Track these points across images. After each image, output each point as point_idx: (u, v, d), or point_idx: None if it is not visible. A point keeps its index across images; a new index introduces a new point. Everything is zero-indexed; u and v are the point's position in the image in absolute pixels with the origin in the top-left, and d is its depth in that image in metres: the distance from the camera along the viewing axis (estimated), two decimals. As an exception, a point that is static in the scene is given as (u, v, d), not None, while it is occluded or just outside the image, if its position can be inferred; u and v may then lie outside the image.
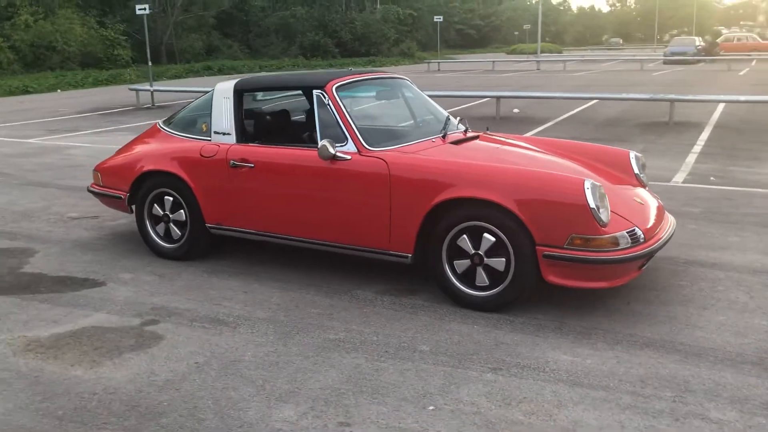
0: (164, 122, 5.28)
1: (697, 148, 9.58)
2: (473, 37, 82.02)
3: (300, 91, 5.20)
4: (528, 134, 9.50)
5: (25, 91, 24.52)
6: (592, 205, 3.58)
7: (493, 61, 34.88)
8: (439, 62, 33.96)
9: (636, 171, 4.64)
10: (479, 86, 19.78)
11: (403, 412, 2.88)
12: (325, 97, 4.38)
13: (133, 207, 5.14)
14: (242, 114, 4.78)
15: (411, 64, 45.32)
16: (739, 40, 42.28)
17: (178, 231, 4.92)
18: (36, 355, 3.48)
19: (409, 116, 4.93)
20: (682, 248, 4.96)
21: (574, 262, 3.64)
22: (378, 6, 51.64)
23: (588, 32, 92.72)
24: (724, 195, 6.77)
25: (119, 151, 5.46)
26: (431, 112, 5.02)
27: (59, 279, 4.65)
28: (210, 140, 4.77)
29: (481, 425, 2.76)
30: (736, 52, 38.66)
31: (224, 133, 4.72)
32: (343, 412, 2.89)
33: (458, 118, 4.99)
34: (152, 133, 5.25)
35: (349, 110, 4.34)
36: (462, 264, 3.94)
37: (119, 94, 21.68)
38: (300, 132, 5.07)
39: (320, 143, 4.16)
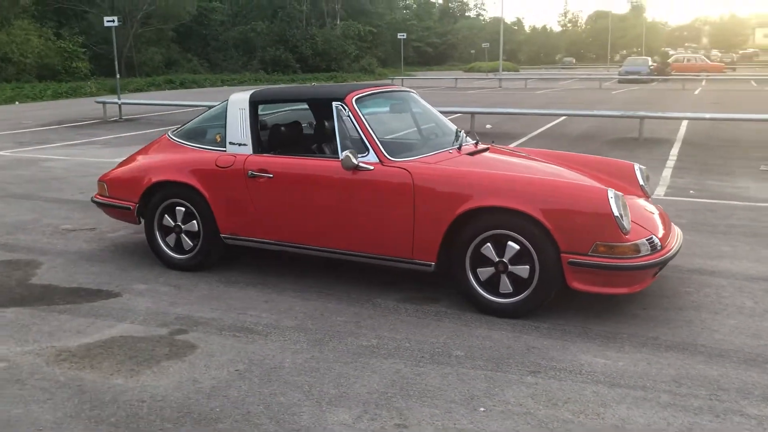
0: (174, 133, 5.27)
1: (671, 162, 9.94)
2: (430, 54, 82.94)
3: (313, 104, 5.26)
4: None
5: (-19, 103, 23.88)
6: (617, 213, 3.73)
7: (456, 79, 35.39)
8: (402, 79, 34.27)
9: (641, 182, 4.82)
10: (448, 102, 20.03)
11: (455, 414, 2.95)
12: (345, 109, 4.45)
13: (140, 218, 5.11)
14: (258, 125, 4.81)
15: (372, 79, 45.60)
16: (688, 60, 43.92)
17: (190, 242, 4.91)
18: (71, 364, 3.44)
19: (421, 128, 5.03)
20: (681, 257, 5.13)
21: (598, 269, 3.78)
22: (338, 22, 51.92)
23: (542, 51, 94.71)
24: (706, 207, 7.04)
25: (125, 162, 5.42)
26: (441, 124, 5.13)
27: (72, 290, 4.59)
28: (225, 151, 4.78)
29: (534, 425, 2.86)
30: (686, 72, 40.13)
31: (240, 144, 4.74)
32: (396, 414, 2.95)
33: (464, 131, 5.11)
34: (162, 143, 5.23)
35: (369, 122, 4.43)
36: (485, 272, 4.04)
37: (83, 106, 21.32)
38: (317, 143, 5.12)
39: (344, 154, 4.23)
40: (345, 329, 3.91)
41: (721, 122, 13.69)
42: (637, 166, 4.93)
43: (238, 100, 4.89)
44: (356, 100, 4.51)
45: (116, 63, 18.10)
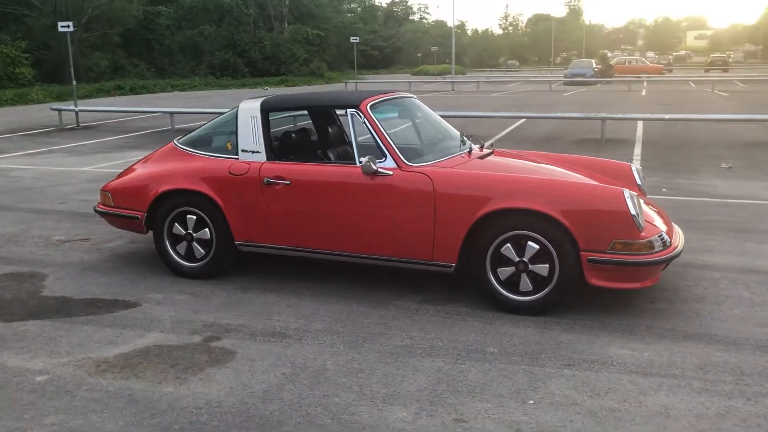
0: (181, 141, 5.27)
1: (636, 162, 10.34)
2: (376, 57, 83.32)
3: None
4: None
5: None
6: (633, 212, 3.94)
7: (409, 82, 35.72)
8: (355, 82, 34.42)
9: (638, 182, 5.07)
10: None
11: (507, 407, 3.09)
12: (360, 116, 4.55)
13: (146, 227, 5.09)
14: (270, 132, 4.86)
15: (322, 83, 45.61)
16: (629, 63, 45.32)
17: (201, 250, 4.92)
18: (114, 374, 3.45)
19: (428, 133, 5.17)
20: (673, 252, 5.42)
21: (616, 265, 3.98)
22: (286, 25, 51.66)
23: (485, 54, 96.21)
24: (682, 205, 7.38)
25: (128, 171, 5.40)
26: (445, 129, 5.28)
27: (88, 302, 4.56)
28: (238, 158, 4.82)
29: (585, 414, 3.02)
30: (628, 74, 41.41)
31: (253, 152, 4.79)
32: (452, 410, 3.07)
33: (468, 135, 5.28)
34: (168, 152, 5.23)
35: (384, 128, 4.54)
36: (505, 271, 4.20)
37: (33, 113, 20.76)
38: (331, 149, 5.19)
39: (364, 160, 4.33)
40: (375, 331, 4.01)
41: (675, 122, 14.28)
42: (633, 167, 5.18)
43: (249, 108, 4.93)
44: (370, 106, 4.62)
45: (71, 69, 17.69)
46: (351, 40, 39.35)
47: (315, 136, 5.43)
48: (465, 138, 5.09)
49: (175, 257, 5.01)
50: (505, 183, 4.22)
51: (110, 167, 10.49)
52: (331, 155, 5.25)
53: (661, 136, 13.20)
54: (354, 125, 4.59)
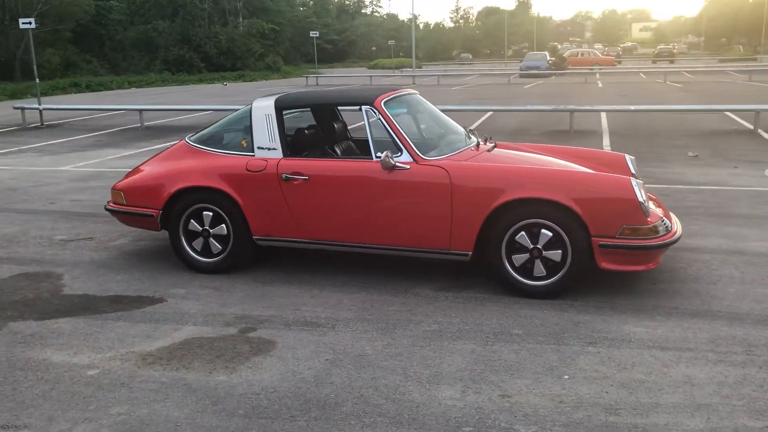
0: (193, 139, 5.36)
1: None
2: (330, 51, 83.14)
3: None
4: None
5: None
6: (641, 199, 4.23)
7: (370, 76, 35.91)
8: (316, 76, 34.41)
9: (633, 171, 5.37)
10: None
11: (545, 383, 3.33)
12: (375, 112, 4.74)
13: (161, 225, 5.18)
14: (285, 129, 5.00)
15: (279, 78, 45.44)
16: (582, 55, 46.34)
17: (218, 245, 5.04)
18: (162, 366, 3.57)
19: (435, 128, 5.37)
20: (663, 237, 5.76)
21: (625, 249, 4.26)
22: (241, 20, 51.24)
23: (438, 47, 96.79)
24: (658, 192, 7.69)
25: (139, 170, 5.46)
26: (449, 123, 5.49)
27: (112, 298, 4.64)
28: (254, 155, 4.95)
29: (619, 386, 3.28)
30: (581, 66, 42.38)
31: (269, 148, 4.93)
32: (495, 387, 3.29)
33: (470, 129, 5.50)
34: (181, 150, 5.32)
35: (399, 123, 4.73)
36: (520, 258, 4.44)
37: (-10, 112, 20.22)
38: (337, 144, 5.35)
39: (383, 155, 4.52)
40: (402, 317, 4.21)
41: (637, 113, 14.82)
42: (627, 157, 5.49)
43: (263, 106, 5.06)
44: (384, 102, 4.80)
45: (34, 67, 17.27)
46: (310, 35, 39.32)
47: (322, 132, 5.57)
48: (470, 132, 5.31)
49: (192, 253, 5.12)
50: (519, 174, 4.46)
51: (88, 166, 10.43)
52: (337, 150, 5.44)
53: (626, 127, 13.68)
54: (369, 121, 4.76)
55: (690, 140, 11.92)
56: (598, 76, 35.70)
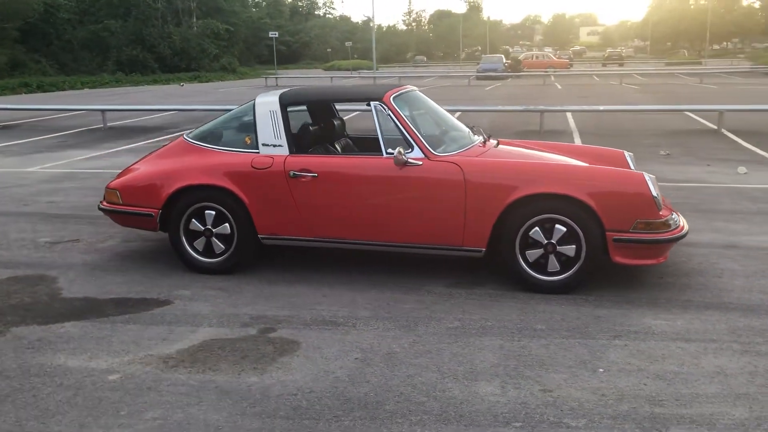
0: (192, 136, 5.22)
1: (582, 151, 10.88)
2: (284, 53, 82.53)
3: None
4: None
5: None
6: (654, 194, 4.28)
7: (331, 77, 35.73)
8: (276, 78, 34.06)
9: (632, 168, 5.43)
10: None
11: (581, 376, 3.33)
12: (385, 108, 4.68)
13: (159, 225, 5.03)
14: (290, 126, 4.91)
15: (235, 79, 44.89)
16: (537, 58, 47.12)
17: (221, 245, 4.91)
18: (187, 369, 3.45)
19: (439, 124, 5.33)
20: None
21: (639, 243, 4.30)
22: (195, 20, 50.44)
23: (393, 50, 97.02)
24: (641, 189, 7.88)
25: (135, 168, 5.29)
26: (451, 120, 5.47)
27: (116, 301, 4.47)
28: (258, 152, 4.84)
29: (655, 377, 3.30)
30: (536, 68, 43.08)
31: (275, 145, 4.82)
32: (533, 382, 3.28)
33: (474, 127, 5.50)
34: (180, 147, 5.16)
35: (409, 119, 4.69)
36: (534, 253, 4.44)
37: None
38: (337, 141, 5.27)
39: (395, 151, 4.47)
40: (421, 315, 4.16)
41: (601, 114, 15.10)
42: (627, 154, 5.56)
43: (267, 102, 4.95)
44: (393, 98, 4.75)
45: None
46: (270, 35, 39.00)
47: (323, 129, 5.49)
48: (473, 129, 5.30)
49: (193, 253, 4.97)
50: (534, 170, 4.46)
51: (57, 167, 10.09)
52: (338, 147, 5.37)
53: (594, 127, 13.90)
54: (379, 117, 4.70)
55: (658, 139, 12.19)
56: (553, 78, 36.27)
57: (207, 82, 40.44)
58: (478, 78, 38.09)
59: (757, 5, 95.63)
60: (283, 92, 5.07)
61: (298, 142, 4.98)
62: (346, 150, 5.57)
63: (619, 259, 4.35)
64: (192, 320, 4.12)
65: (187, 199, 4.90)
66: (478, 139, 5.10)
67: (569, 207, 4.31)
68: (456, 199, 4.45)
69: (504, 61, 42.17)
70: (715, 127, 12.95)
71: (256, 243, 4.89)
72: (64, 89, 32.28)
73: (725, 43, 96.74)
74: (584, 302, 4.31)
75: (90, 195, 7.88)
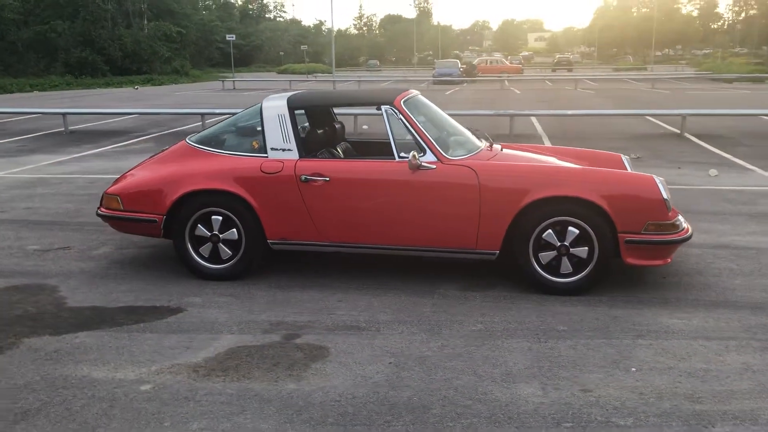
0: (195, 140, 5.11)
1: (555, 155, 11.08)
2: (235, 55, 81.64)
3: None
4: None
5: None
6: (665, 196, 4.39)
7: (290, 81, 35.51)
8: (233, 80, 33.64)
9: (629, 170, 5.56)
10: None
11: (616, 376, 3.38)
12: (396, 112, 4.68)
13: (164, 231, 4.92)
14: (299, 130, 4.86)
15: (189, 82, 44.21)
16: (491, 63, 47.72)
17: (228, 251, 4.83)
18: (220, 378, 3.38)
19: (441, 128, 5.34)
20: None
21: (650, 245, 4.40)
22: (146, 22, 49.48)
23: (346, 54, 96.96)
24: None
25: (136, 173, 5.16)
26: (454, 124, 5.49)
27: (125, 310, 4.35)
28: (267, 156, 4.78)
29: (687, 375, 3.38)
30: (490, 73, 43.65)
31: (284, 149, 4.77)
32: (571, 383, 3.32)
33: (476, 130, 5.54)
34: (183, 151, 5.06)
35: (420, 123, 4.70)
36: (547, 255, 4.50)
37: None
38: (338, 145, 5.24)
39: (409, 155, 4.48)
40: (442, 318, 4.17)
41: (564, 118, 15.40)
42: (624, 157, 5.68)
43: (275, 106, 4.90)
44: (404, 102, 4.76)
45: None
46: (227, 38, 38.53)
47: (329, 133, 5.45)
48: (475, 133, 5.34)
49: (199, 260, 4.87)
50: (548, 173, 4.53)
51: (25, 173, 9.76)
52: (339, 151, 5.35)
53: (560, 131, 14.16)
54: (390, 121, 4.70)
55: (625, 143, 12.46)
56: (507, 83, 36.80)
57: (160, 85, 39.72)
58: (435, 83, 38.40)
59: (695, 13, 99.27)
60: (291, 96, 5.02)
61: (306, 146, 4.94)
62: (347, 154, 5.55)
63: (630, 260, 4.44)
64: (210, 327, 4.04)
65: (193, 205, 4.80)
66: (484, 143, 5.14)
67: (583, 209, 4.39)
68: (470, 202, 4.48)
69: (459, 66, 42.56)
70: (678, 131, 13.34)
71: (264, 248, 4.83)
72: (12, 92, 31.25)
73: (667, 49, 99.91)
74: (598, 303, 4.39)
75: (67, 201, 7.66)
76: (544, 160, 5.10)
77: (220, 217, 4.80)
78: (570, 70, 56.41)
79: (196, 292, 4.65)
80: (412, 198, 4.56)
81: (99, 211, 5.15)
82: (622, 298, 4.46)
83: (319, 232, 4.72)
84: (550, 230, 4.46)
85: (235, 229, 4.79)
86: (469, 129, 5.44)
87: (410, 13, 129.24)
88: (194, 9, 64.42)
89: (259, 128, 4.90)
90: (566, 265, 4.49)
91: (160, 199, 4.84)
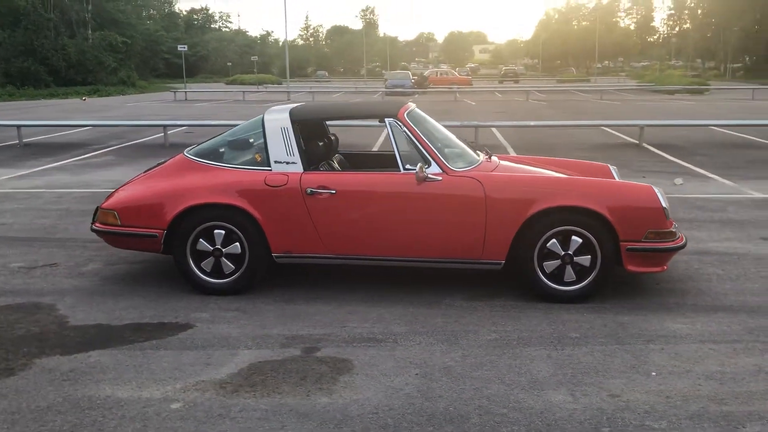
0: (194, 153, 5.05)
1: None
2: (180, 66, 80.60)
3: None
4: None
5: None
6: (665, 205, 4.54)
7: (244, 92, 35.17)
8: (186, 92, 33.14)
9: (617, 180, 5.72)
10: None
11: (638, 381, 3.48)
12: (400, 125, 4.73)
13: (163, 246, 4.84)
14: (302, 143, 4.85)
15: (136, 93, 43.36)
16: (441, 75, 48.24)
17: (231, 265, 4.78)
18: (249, 393, 3.35)
19: (442, 140, 5.40)
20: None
21: (650, 252, 4.55)
22: (90, 32, 48.35)
23: (294, 64, 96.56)
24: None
25: (131, 187, 5.06)
26: (450, 135, 5.56)
27: (133, 327, 4.26)
28: (271, 170, 4.76)
29: (706, 378, 3.50)
30: (441, 85, 44.11)
31: (288, 162, 4.75)
32: (598, 388, 3.40)
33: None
34: (182, 165, 4.98)
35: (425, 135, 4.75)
36: (551, 264, 4.60)
37: None
38: (339, 158, 5.26)
39: (416, 168, 4.53)
40: (456, 328, 4.21)
41: (524, 129, 15.70)
42: (612, 167, 5.85)
43: (278, 119, 4.88)
44: (407, 115, 4.81)
45: None
46: (178, 48, 37.92)
47: (327, 146, 5.45)
48: (470, 145, 5.43)
49: (200, 275, 4.80)
50: (552, 184, 4.64)
51: (-12, 187, 9.43)
52: (335, 164, 5.36)
53: (522, 141, 14.42)
54: (394, 134, 4.74)
55: (586, 153, 12.77)
56: (458, 95, 37.27)
57: (108, 96, 38.85)
58: (387, 94, 38.61)
59: (632, 27, 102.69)
60: (293, 108, 5.01)
61: (312, 158, 4.93)
62: (342, 166, 5.56)
63: (631, 267, 4.58)
64: (225, 343, 3.99)
65: (195, 219, 4.73)
66: (482, 155, 5.22)
67: (587, 219, 4.50)
68: (477, 213, 4.55)
69: (411, 77, 42.93)
70: (637, 142, 13.77)
71: (268, 262, 4.79)
72: (-46, 104, 30.13)
73: (606, 61, 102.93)
74: (603, 310, 4.50)
75: (41, 216, 7.44)
76: (543, 171, 5.21)
77: (223, 231, 4.74)
78: (517, 82, 57.52)
79: (201, 308, 4.58)
80: (419, 210, 4.60)
81: (94, 227, 5.03)
82: (624, 305, 4.58)
83: (325, 245, 4.72)
84: (554, 239, 4.56)
85: (238, 243, 4.74)
86: (465, 142, 5.51)
87: (356, 24, 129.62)
88: (139, 19, 63.35)
89: (260, 141, 4.88)
90: (570, 274, 4.60)
91: (160, 213, 4.76)
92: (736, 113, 22.13)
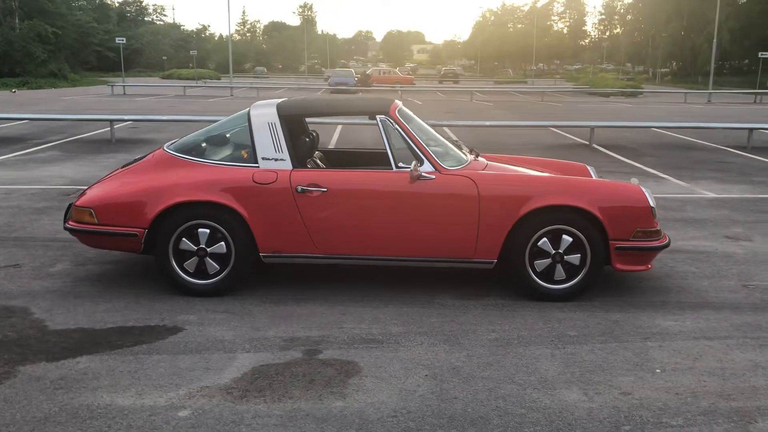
0: (176, 149, 4.84)
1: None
2: (113, 59, 77.98)
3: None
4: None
5: None
6: (652, 204, 4.62)
7: (184, 87, 34.29)
8: (124, 86, 32.07)
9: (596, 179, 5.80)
10: (222, 111, 19.67)
11: (644, 378, 3.52)
12: (392, 122, 4.66)
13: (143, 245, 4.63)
14: (291, 139, 4.72)
15: (68, 86, 41.80)
16: (384, 73, 48.35)
17: (216, 265, 4.61)
18: (259, 398, 3.23)
19: (431, 139, 5.33)
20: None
21: (638, 251, 4.62)
22: (17, 21, 46.29)
23: (232, 59, 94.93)
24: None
25: (108, 184, 4.82)
26: (435, 134, 5.51)
27: (118, 330, 4.05)
28: (258, 166, 4.61)
29: (709, 374, 3.56)
30: (384, 83, 44.20)
31: (276, 159, 4.62)
32: (608, 386, 3.42)
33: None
34: (163, 161, 4.78)
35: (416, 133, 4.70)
36: (542, 263, 4.62)
37: None
38: (319, 155, 5.15)
39: (411, 166, 4.47)
40: (453, 328, 4.18)
41: (477, 129, 15.85)
42: (590, 167, 5.93)
43: (264, 114, 4.73)
44: (398, 112, 4.74)
45: None
46: (116, 41, 36.64)
47: (311, 142, 5.32)
48: (456, 144, 5.40)
49: (183, 275, 4.62)
50: (544, 183, 4.66)
51: (-74, 183, 8.88)
52: (318, 161, 5.26)
53: (478, 141, 14.48)
54: (386, 131, 4.67)
55: (539, 153, 12.94)
56: (400, 93, 37.38)
57: (38, 88, 37.32)
58: (331, 92, 38.43)
59: (565, 30, 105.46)
60: (281, 103, 4.88)
61: (301, 155, 4.80)
62: (325, 164, 5.45)
63: (620, 266, 4.64)
64: (221, 346, 3.84)
65: (178, 217, 4.55)
66: (470, 154, 5.20)
67: (578, 218, 4.54)
68: (470, 212, 4.52)
69: (354, 75, 42.84)
70: (587, 142, 14.07)
71: (254, 262, 4.65)
72: None
73: (541, 64, 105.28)
74: (593, 308, 4.55)
75: (-7, 214, 7.04)
76: (531, 171, 5.23)
77: (208, 230, 4.57)
78: (456, 82, 58.09)
79: (187, 309, 4.40)
80: (412, 208, 4.54)
81: (67, 225, 4.77)
82: (614, 303, 4.64)
83: (316, 244, 4.61)
84: (545, 238, 4.58)
85: (223, 243, 4.58)
86: (451, 141, 5.48)
87: (294, 20, 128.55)
88: (69, 9, 60.85)
89: (246, 137, 4.72)
90: (560, 272, 4.63)
91: (141, 211, 4.55)
92: (675, 115, 22.94)
